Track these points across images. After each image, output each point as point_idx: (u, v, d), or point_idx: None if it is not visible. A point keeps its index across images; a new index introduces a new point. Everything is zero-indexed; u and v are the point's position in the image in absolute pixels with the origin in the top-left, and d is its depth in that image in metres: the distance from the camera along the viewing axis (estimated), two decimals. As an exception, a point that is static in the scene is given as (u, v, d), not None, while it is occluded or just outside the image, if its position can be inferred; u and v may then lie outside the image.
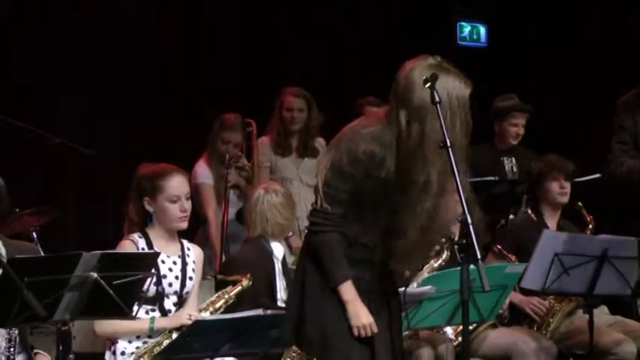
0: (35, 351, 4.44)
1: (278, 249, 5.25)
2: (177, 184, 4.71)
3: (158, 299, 4.64)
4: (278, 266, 5.23)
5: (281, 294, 5.21)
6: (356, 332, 3.78)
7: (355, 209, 3.77)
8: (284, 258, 5.30)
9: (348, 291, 3.77)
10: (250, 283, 4.88)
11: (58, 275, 3.86)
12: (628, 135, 5.69)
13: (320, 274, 3.80)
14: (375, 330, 3.79)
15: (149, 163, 4.83)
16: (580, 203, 6.19)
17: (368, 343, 3.81)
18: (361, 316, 3.78)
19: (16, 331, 4.37)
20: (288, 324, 3.86)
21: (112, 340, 4.67)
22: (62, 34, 7.11)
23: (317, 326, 3.78)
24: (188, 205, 4.74)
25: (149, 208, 4.69)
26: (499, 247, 5.76)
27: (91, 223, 6.92)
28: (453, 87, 3.78)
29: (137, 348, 4.61)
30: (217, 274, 5.11)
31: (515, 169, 7.09)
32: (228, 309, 4.79)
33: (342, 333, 3.78)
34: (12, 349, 4.37)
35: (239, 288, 4.85)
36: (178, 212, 4.69)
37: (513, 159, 7.10)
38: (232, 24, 7.69)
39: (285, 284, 5.24)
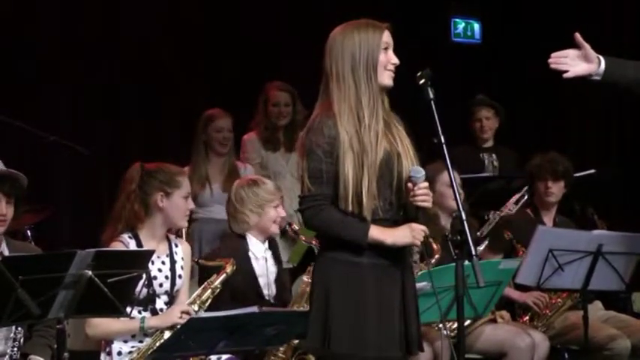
0: (29, 357, 4.42)
1: (257, 246, 5.23)
2: (188, 181, 4.83)
3: (149, 301, 4.64)
4: (257, 264, 5.21)
5: (268, 290, 5.19)
6: (418, 242, 3.80)
7: (364, 186, 3.77)
8: (273, 254, 5.28)
9: (379, 235, 3.77)
10: (234, 268, 4.84)
11: (52, 273, 3.85)
12: None
13: (341, 268, 3.79)
14: (424, 227, 3.82)
15: (142, 161, 4.82)
16: (592, 208, 6.22)
17: (391, 330, 3.81)
18: (405, 234, 3.79)
19: (22, 332, 4.37)
20: (313, 327, 3.83)
21: (106, 341, 4.66)
22: (58, 33, 7.11)
23: (345, 323, 3.77)
24: (192, 204, 4.83)
25: (161, 204, 4.68)
26: (509, 233, 5.78)
27: (85, 221, 6.90)
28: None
29: (133, 347, 4.60)
30: (199, 259, 5.08)
31: (495, 164, 7.17)
32: (215, 299, 4.78)
33: (371, 325, 3.77)
34: (15, 349, 4.38)
35: (224, 275, 4.82)
36: (187, 210, 4.77)
37: (494, 155, 7.18)
38: (227, 20, 7.70)
39: (272, 280, 5.21)
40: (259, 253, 5.23)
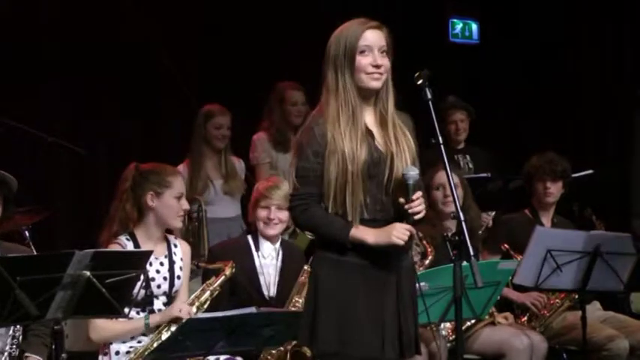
0: (26, 354, 4.44)
1: (265, 245, 5.24)
2: (181, 181, 4.83)
3: (147, 302, 4.64)
4: (263, 262, 5.22)
5: (268, 291, 5.20)
6: (400, 242, 3.75)
7: (347, 189, 3.77)
8: (282, 255, 5.28)
9: (360, 234, 3.76)
10: (234, 270, 4.86)
11: (50, 274, 3.86)
12: None
13: (328, 267, 3.80)
14: (410, 227, 3.78)
15: (138, 162, 4.83)
16: (590, 209, 6.21)
17: (380, 331, 3.80)
18: (390, 234, 3.75)
19: (20, 330, 4.38)
20: (303, 326, 3.84)
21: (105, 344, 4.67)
22: (55, 34, 7.10)
23: (331, 322, 3.77)
24: (186, 204, 4.80)
25: (151, 203, 4.68)
26: (506, 245, 5.77)
27: (83, 221, 6.90)
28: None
29: (131, 347, 4.60)
30: (200, 262, 5.08)
31: (470, 166, 7.19)
32: (215, 300, 4.79)
33: (357, 325, 3.77)
34: (14, 346, 4.41)
35: (223, 278, 4.83)
36: (180, 210, 4.75)
37: (468, 156, 7.20)
38: (225, 20, 7.70)
39: (275, 280, 5.22)
40: (267, 252, 5.25)
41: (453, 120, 7.22)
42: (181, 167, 6.32)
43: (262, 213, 5.22)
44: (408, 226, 3.78)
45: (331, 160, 3.76)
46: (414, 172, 3.78)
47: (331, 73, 3.83)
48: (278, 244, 5.28)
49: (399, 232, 3.75)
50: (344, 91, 3.81)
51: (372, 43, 3.82)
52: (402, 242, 3.77)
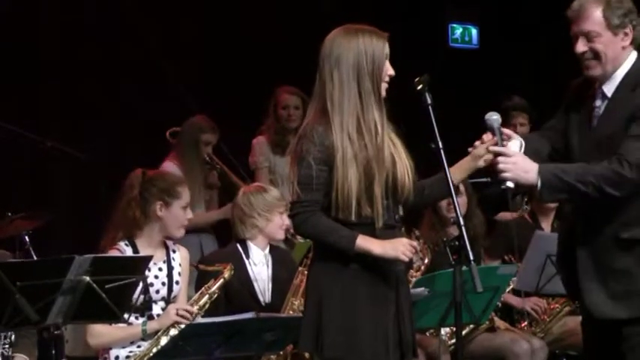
0: (13, 354, 4.45)
1: (256, 252, 5.24)
2: (187, 191, 4.83)
3: (146, 307, 4.64)
4: (255, 269, 5.22)
5: (264, 297, 5.20)
6: (405, 258, 3.78)
7: (375, 194, 3.76)
8: (271, 261, 5.28)
9: (366, 244, 3.75)
10: (232, 273, 4.86)
11: (50, 279, 3.87)
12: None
13: (334, 274, 3.79)
14: (414, 244, 3.85)
15: (140, 167, 4.83)
16: None
17: (384, 336, 3.80)
18: (394, 247, 3.77)
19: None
20: (307, 332, 3.82)
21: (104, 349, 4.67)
22: (54, 35, 7.11)
23: (340, 331, 3.76)
24: (190, 214, 4.83)
25: (160, 213, 4.69)
26: (510, 256, 5.76)
27: (83, 226, 6.90)
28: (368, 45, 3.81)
29: (130, 352, 4.61)
30: (198, 264, 5.08)
31: None
32: (213, 304, 4.79)
33: (364, 331, 3.77)
34: (7, 346, 4.46)
35: (221, 281, 4.82)
36: (185, 220, 4.77)
37: None
38: (225, 22, 7.71)
39: (269, 287, 5.22)
40: (258, 259, 5.24)
41: (513, 123, 7.07)
42: (171, 166, 6.32)
43: (279, 219, 5.22)
44: (414, 243, 3.83)
45: (350, 168, 3.73)
46: (496, 116, 3.92)
47: (354, 77, 3.78)
48: (267, 250, 5.28)
49: (404, 248, 3.77)
50: (375, 96, 3.80)
51: (388, 53, 3.86)
52: (407, 259, 3.79)
